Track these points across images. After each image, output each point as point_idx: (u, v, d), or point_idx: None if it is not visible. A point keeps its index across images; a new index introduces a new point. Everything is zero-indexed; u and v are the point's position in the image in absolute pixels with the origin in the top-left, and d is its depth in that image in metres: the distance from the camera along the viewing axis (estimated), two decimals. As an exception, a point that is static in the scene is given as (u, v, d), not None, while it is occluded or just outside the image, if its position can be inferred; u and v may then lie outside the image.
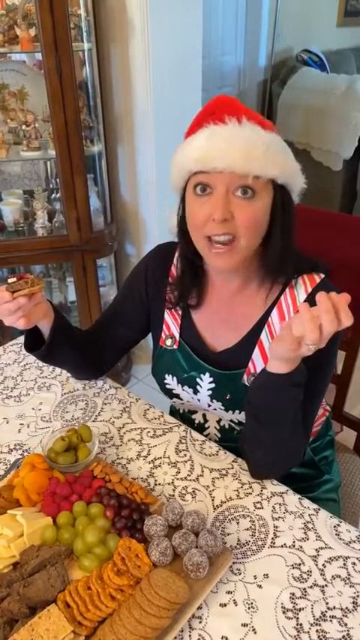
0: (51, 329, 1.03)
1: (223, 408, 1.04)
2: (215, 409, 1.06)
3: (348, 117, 3.24)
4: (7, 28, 1.87)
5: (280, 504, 0.94)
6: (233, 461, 1.03)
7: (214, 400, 1.04)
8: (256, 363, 0.99)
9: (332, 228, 1.34)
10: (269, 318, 0.98)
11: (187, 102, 2.12)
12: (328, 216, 1.41)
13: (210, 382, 1.04)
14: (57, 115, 1.88)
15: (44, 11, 1.72)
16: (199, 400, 1.07)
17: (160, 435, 1.10)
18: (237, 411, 1.02)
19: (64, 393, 1.22)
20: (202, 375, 1.04)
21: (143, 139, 2.15)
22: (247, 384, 1.00)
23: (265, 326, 0.98)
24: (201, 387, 1.05)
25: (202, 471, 1.01)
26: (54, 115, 1.88)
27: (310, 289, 0.95)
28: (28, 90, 2.09)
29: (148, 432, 1.11)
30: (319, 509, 0.93)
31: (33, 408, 1.18)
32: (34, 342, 1.06)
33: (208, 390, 1.04)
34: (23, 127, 2.03)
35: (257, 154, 0.84)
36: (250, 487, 0.98)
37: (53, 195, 2.26)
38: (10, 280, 0.92)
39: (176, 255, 1.08)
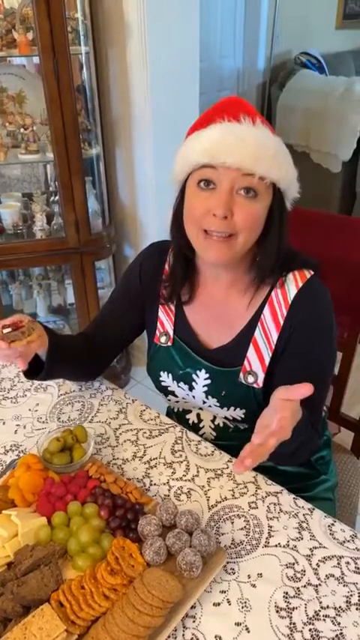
0: (47, 355, 1.02)
1: (218, 404, 1.04)
2: (210, 406, 1.06)
3: (346, 119, 3.24)
4: (5, 32, 1.88)
5: (274, 504, 0.94)
6: (228, 461, 1.03)
7: (209, 397, 1.05)
8: (252, 361, 1.00)
9: (331, 230, 1.34)
10: (261, 316, 0.99)
11: (184, 105, 2.13)
12: (327, 218, 1.42)
13: (206, 378, 1.04)
14: (55, 118, 1.89)
15: (42, 15, 1.73)
16: (194, 397, 1.07)
17: (156, 436, 1.10)
18: (232, 408, 1.03)
19: (61, 395, 1.22)
20: (197, 372, 1.05)
21: (141, 142, 2.16)
22: (243, 381, 1.01)
23: (258, 323, 0.99)
24: (197, 383, 1.06)
25: (198, 471, 1.01)
26: (52, 118, 1.89)
27: (300, 284, 0.97)
28: (27, 93, 2.10)
29: (144, 432, 1.11)
30: (313, 509, 0.93)
31: (29, 409, 1.18)
32: (30, 364, 1.04)
33: (204, 386, 1.05)
34: (21, 130, 2.03)
35: (266, 156, 0.86)
36: (245, 487, 0.98)
37: (52, 198, 2.27)
38: (5, 331, 0.92)
39: (170, 252, 1.09)
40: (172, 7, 1.95)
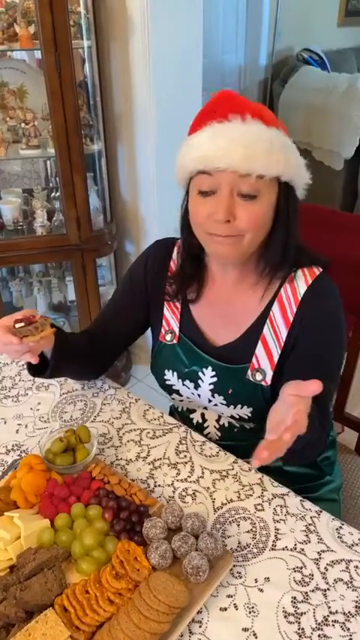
0: (53, 352, 1.00)
1: (224, 402, 1.03)
2: (216, 404, 1.05)
3: (349, 116, 3.22)
4: (7, 25, 1.85)
5: (281, 506, 0.93)
6: (234, 462, 1.02)
7: (215, 395, 1.03)
8: (260, 359, 0.98)
9: (333, 226, 1.33)
10: (270, 313, 0.98)
11: (187, 100, 2.10)
12: (330, 214, 1.40)
13: (212, 376, 1.03)
14: (56, 114, 1.86)
15: (43, 9, 1.70)
16: (199, 396, 1.06)
17: (160, 436, 1.08)
18: (239, 406, 1.01)
19: (63, 393, 1.21)
20: (204, 369, 1.04)
21: (143, 138, 2.14)
22: (251, 379, 0.99)
23: (267, 320, 0.98)
24: (202, 381, 1.04)
25: (203, 473, 1.00)
26: (53, 113, 1.87)
27: (310, 281, 0.95)
28: (28, 88, 2.08)
29: (148, 432, 1.09)
30: (320, 512, 0.92)
31: (31, 409, 1.17)
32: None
33: (210, 384, 1.03)
34: (22, 125, 2.01)
35: (259, 154, 0.83)
36: (251, 489, 0.96)
37: (53, 194, 2.25)
38: (17, 325, 0.90)
39: (175, 250, 1.08)
40: (175, 2, 1.93)
